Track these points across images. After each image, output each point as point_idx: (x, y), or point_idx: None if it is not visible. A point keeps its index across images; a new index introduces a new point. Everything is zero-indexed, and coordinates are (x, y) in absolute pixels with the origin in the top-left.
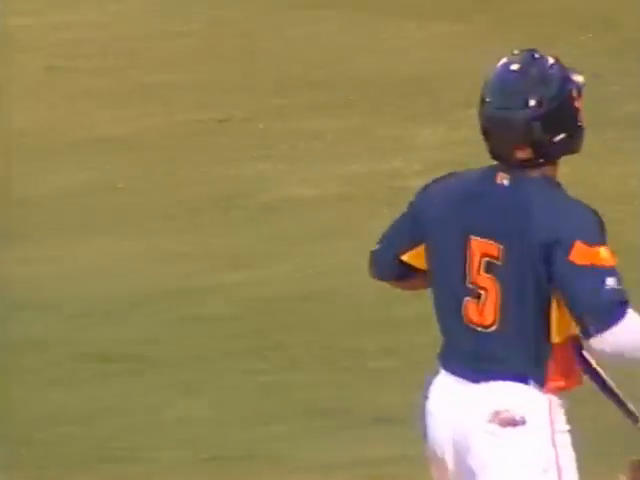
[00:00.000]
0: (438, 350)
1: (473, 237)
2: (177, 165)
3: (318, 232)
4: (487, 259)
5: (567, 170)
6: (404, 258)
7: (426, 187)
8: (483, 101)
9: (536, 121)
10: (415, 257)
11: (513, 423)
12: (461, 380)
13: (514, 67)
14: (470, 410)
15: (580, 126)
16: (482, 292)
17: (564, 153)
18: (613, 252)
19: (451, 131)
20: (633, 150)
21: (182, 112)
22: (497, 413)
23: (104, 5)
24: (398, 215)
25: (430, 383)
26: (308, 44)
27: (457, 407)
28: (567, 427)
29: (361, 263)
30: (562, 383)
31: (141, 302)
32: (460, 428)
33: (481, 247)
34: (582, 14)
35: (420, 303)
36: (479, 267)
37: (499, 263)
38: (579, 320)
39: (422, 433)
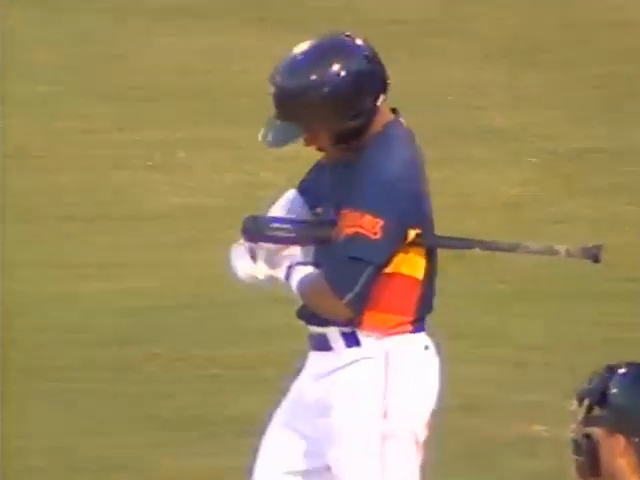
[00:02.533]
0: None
1: None
2: (46, 173)
3: (188, 241)
4: None
5: (439, 177)
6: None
7: None
8: None
9: None
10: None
11: None
12: None
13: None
14: None
15: None
16: None
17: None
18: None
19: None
20: (500, 160)
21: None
22: None
23: None
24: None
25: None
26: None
27: None
28: None
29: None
30: None
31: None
32: None
33: None
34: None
35: (291, 310)
36: None
37: None
38: None
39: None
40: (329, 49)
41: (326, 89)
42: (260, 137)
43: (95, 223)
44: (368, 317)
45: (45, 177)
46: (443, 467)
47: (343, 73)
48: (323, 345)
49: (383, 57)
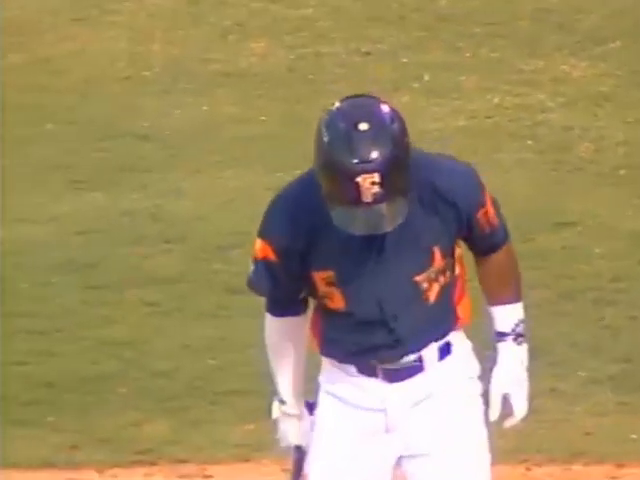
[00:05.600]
0: None
1: None
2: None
3: None
4: None
5: None
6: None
7: None
8: None
9: None
10: None
11: None
12: None
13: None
14: None
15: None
16: None
17: None
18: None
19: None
20: None
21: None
22: None
23: None
24: None
25: None
26: None
27: None
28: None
29: None
30: None
31: None
32: None
33: None
34: None
35: None
36: None
37: None
38: None
39: None
40: (378, 111)
41: (407, 147)
42: (367, 229)
43: None
44: (463, 311)
45: None
46: None
47: (403, 127)
48: (413, 371)
49: None
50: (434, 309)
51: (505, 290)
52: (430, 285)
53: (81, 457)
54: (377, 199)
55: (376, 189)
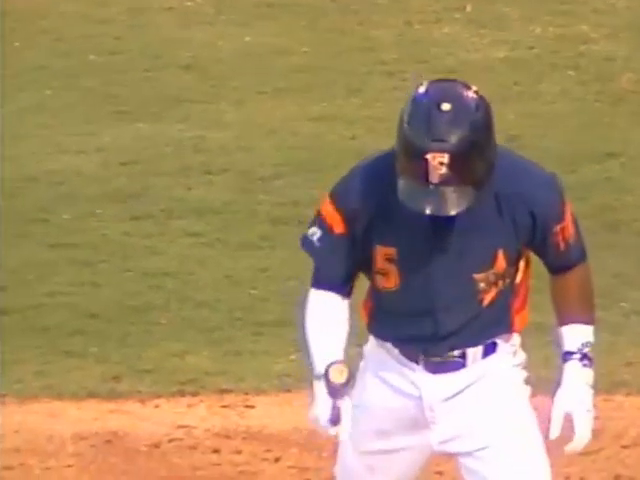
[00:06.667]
0: None
1: None
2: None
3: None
4: None
5: None
6: None
7: None
8: None
9: None
10: None
11: None
12: None
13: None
14: None
15: None
16: None
17: None
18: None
19: None
20: None
21: None
22: None
23: None
24: None
25: None
26: None
27: None
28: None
29: None
30: None
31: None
32: None
33: None
34: None
35: None
36: None
37: None
38: None
39: None
40: (465, 96)
41: (487, 138)
42: (428, 208)
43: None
44: (520, 322)
45: None
46: None
47: (487, 117)
48: (454, 367)
49: None
50: (486, 313)
51: (576, 310)
52: (488, 287)
53: (124, 388)
54: (444, 181)
55: (444, 170)
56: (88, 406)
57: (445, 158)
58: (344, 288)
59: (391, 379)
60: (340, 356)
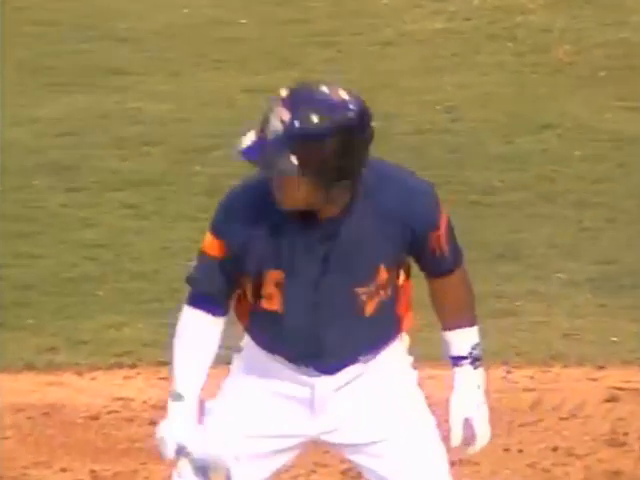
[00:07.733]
0: None
1: None
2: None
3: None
4: None
5: None
6: None
7: None
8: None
9: None
10: None
11: None
12: None
13: None
14: None
15: None
16: None
17: None
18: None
19: None
20: None
21: None
22: None
23: None
24: None
25: None
26: None
27: None
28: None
29: None
30: None
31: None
32: None
33: None
34: None
35: None
36: None
37: None
38: None
39: None
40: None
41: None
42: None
43: None
44: (407, 324)
45: None
46: None
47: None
48: (344, 366)
49: None
50: (370, 321)
51: (459, 314)
52: (369, 298)
53: (61, 360)
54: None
55: (285, 118)
56: (25, 378)
57: (285, 114)
58: (219, 309)
59: (279, 387)
60: (201, 383)
